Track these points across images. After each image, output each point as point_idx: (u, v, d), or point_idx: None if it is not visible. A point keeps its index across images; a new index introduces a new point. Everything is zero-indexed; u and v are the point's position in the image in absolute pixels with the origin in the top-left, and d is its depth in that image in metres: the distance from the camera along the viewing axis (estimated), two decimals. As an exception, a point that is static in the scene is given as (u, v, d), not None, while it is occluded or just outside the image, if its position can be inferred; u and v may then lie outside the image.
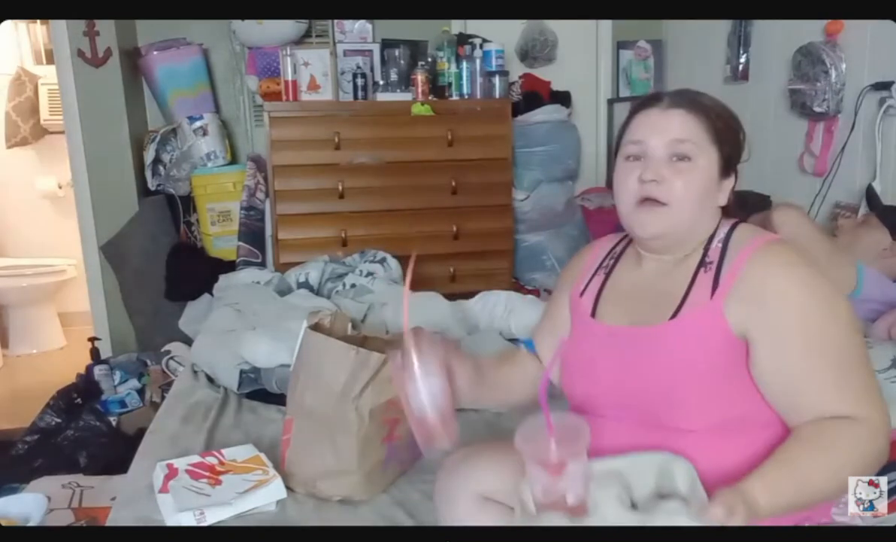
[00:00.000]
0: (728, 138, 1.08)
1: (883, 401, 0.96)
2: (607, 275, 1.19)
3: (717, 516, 0.83)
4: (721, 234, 1.08)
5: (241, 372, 1.76)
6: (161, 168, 3.18)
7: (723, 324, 1.00)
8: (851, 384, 0.95)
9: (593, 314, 1.16)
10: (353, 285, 2.36)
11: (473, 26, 3.30)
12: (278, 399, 1.67)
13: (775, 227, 1.81)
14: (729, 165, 1.08)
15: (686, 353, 1.01)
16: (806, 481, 0.91)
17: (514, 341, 1.91)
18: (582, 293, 1.20)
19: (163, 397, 2.35)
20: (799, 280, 0.99)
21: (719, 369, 1.00)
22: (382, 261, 2.52)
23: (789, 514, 0.93)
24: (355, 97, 2.94)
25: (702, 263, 1.06)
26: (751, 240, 1.04)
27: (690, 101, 1.07)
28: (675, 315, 1.03)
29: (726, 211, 1.11)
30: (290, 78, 2.84)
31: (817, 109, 2.48)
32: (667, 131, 1.05)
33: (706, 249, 1.07)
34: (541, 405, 0.92)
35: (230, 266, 2.95)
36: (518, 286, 3.09)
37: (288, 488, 1.24)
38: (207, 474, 1.27)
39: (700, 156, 1.04)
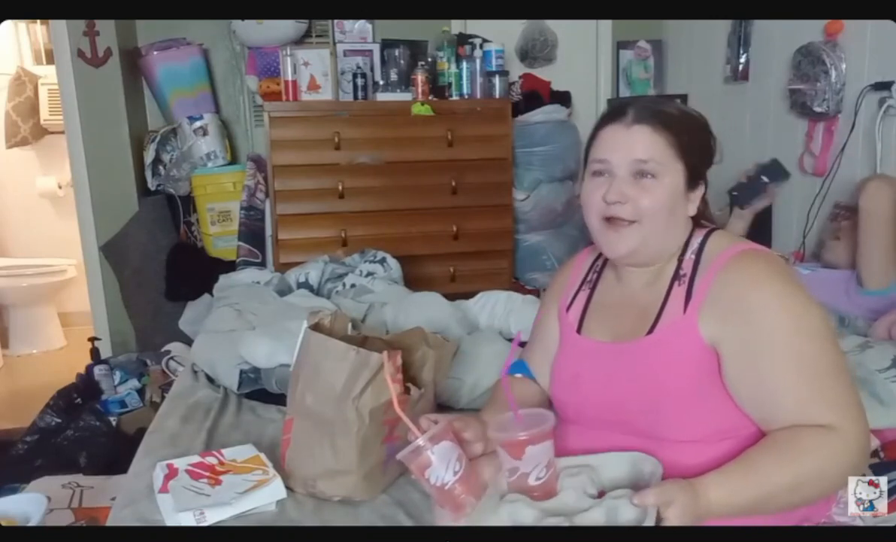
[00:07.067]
0: (695, 150, 1.07)
1: (861, 411, 0.96)
2: (592, 290, 1.20)
3: (648, 501, 0.86)
4: (694, 244, 1.08)
5: (241, 372, 1.75)
6: (161, 168, 3.18)
7: (696, 337, 1.01)
8: (825, 395, 0.95)
9: (579, 330, 1.17)
10: (353, 285, 2.36)
11: (473, 26, 3.30)
12: (278, 399, 1.66)
13: (861, 196, 1.94)
14: (697, 175, 1.08)
15: (663, 367, 1.02)
16: (767, 484, 0.91)
17: (512, 341, 1.91)
18: (568, 308, 1.22)
19: (163, 397, 2.35)
20: (769, 293, 0.98)
21: (697, 381, 1.01)
22: (382, 261, 2.52)
23: (751, 516, 0.93)
24: (355, 97, 2.94)
25: (676, 277, 1.07)
26: (722, 251, 1.04)
27: (654, 115, 1.05)
28: (651, 330, 1.05)
29: (698, 219, 1.11)
30: (290, 78, 2.84)
31: (817, 109, 2.49)
32: (630, 150, 1.04)
33: (680, 261, 1.08)
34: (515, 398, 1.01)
35: (230, 266, 2.95)
36: (518, 286, 3.09)
37: (288, 488, 1.24)
38: (207, 474, 1.27)
39: (665, 173, 1.04)
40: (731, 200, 2.39)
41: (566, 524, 0.90)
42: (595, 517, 0.91)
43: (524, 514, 0.95)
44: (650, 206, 1.04)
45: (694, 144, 1.07)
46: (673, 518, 0.86)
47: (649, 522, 0.84)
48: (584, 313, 1.19)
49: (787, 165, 2.64)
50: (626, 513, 0.90)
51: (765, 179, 2.38)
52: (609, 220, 1.06)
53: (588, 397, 1.11)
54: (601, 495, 0.97)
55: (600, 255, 1.23)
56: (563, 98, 3.38)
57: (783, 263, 1.06)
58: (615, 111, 1.09)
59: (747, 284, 0.99)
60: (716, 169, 1.13)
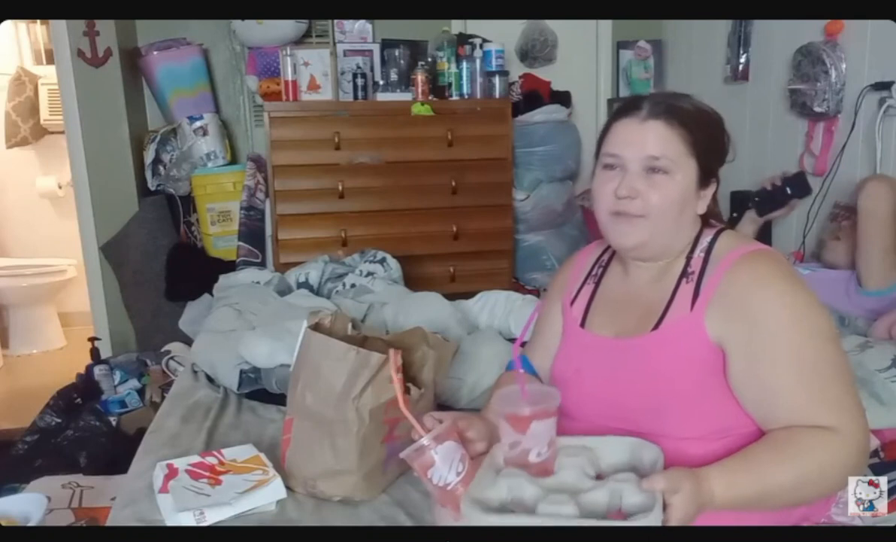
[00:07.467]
0: (708, 148, 1.07)
1: (861, 411, 0.96)
2: (597, 284, 1.20)
3: (657, 486, 0.86)
4: (704, 243, 1.08)
5: (241, 372, 1.76)
6: (161, 168, 3.18)
7: (702, 335, 1.01)
8: (827, 396, 0.95)
9: (583, 324, 1.17)
10: (353, 285, 2.36)
11: (473, 26, 3.30)
12: (278, 399, 1.67)
13: (860, 196, 1.95)
14: (709, 173, 1.08)
15: (667, 364, 1.02)
16: (767, 481, 0.92)
17: (513, 340, 1.91)
18: (572, 302, 1.21)
19: (163, 397, 2.35)
20: (772, 292, 0.99)
21: (701, 379, 1.01)
22: (382, 261, 2.52)
23: (750, 511, 0.94)
24: (355, 97, 2.94)
25: (684, 274, 1.07)
26: (732, 251, 1.04)
27: (669, 111, 1.05)
28: (656, 326, 1.05)
29: (707, 218, 1.11)
30: (290, 78, 2.84)
31: (817, 109, 2.48)
32: (643, 146, 1.04)
33: (689, 259, 1.08)
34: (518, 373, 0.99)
35: (230, 266, 2.95)
36: (518, 286, 3.09)
37: (288, 488, 1.24)
38: (207, 474, 1.27)
39: (677, 170, 1.04)
40: (750, 205, 2.40)
41: (570, 501, 0.89)
42: (599, 498, 0.91)
43: (526, 490, 0.94)
44: (660, 202, 1.04)
45: (708, 141, 1.07)
46: (678, 504, 0.85)
47: (658, 507, 0.84)
48: (589, 306, 1.18)
49: (786, 165, 2.65)
50: (631, 497, 0.89)
51: (789, 191, 2.39)
52: (619, 213, 1.06)
53: (590, 393, 1.10)
54: (598, 478, 0.97)
55: (607, 249, 1.23)
56: (563, 98, 3.37)
57: (789, 264, 1.06)
58: (630, 105, 1.08)
59: (752, 283, 0.99)
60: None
